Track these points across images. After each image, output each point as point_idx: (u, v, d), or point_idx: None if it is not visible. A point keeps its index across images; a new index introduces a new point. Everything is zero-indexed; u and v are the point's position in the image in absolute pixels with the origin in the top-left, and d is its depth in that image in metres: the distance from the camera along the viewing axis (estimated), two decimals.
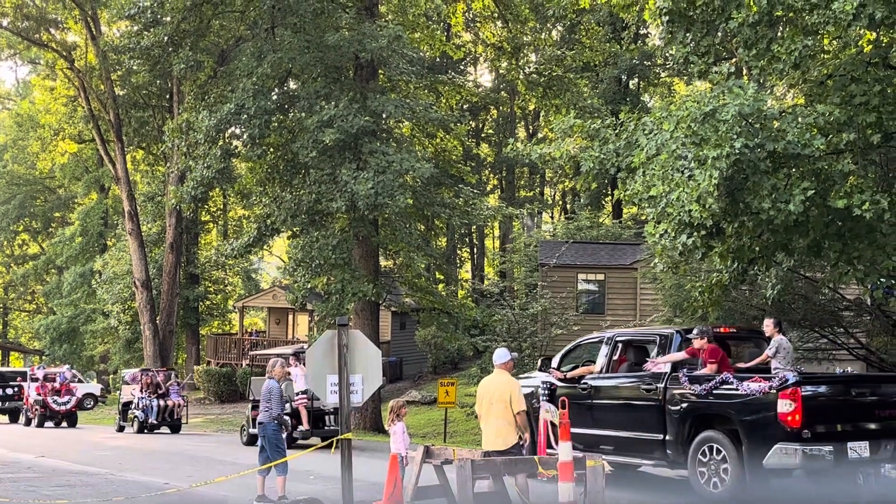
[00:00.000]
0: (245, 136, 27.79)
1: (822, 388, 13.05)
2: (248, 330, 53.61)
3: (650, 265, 24.94)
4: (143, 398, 30.91)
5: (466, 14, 37.66)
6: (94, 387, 49.17)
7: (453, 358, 42.90)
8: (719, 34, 15.41)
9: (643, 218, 19.09)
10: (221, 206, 60.48)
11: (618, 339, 15.70)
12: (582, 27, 37.74)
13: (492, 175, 59.43)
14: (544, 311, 31.87)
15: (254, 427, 24.03)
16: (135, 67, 34.21)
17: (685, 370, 13.91)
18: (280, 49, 26.40)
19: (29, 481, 17.08)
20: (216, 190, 45.38)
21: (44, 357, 62.33)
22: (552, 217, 64.86)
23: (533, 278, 36.99)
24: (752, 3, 13.84)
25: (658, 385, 14.09)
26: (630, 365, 15.47)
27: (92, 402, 46.64)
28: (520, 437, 12.11)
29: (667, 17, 15.37)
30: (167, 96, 44.76)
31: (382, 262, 34.42)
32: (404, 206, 25.17)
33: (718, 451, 12.94)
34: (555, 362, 16.35)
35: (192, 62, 28.35)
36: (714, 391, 13.13)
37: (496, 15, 34.58)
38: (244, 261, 54.41)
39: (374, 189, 24.16)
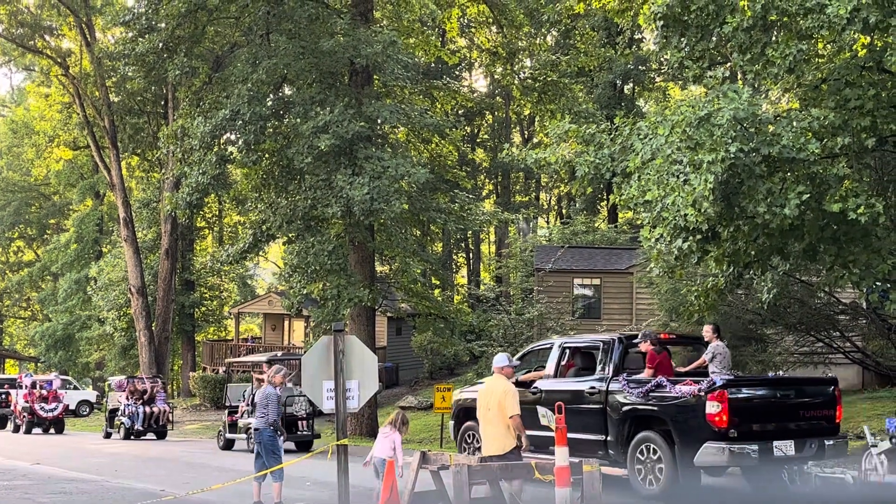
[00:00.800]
0: (240, 142, 27.77)
1: (749, 391, 13.68)
2: (244, 336, 53.59)
3: (646, 269, 24.95)
4: (129, 405, 31.18)
5: (461, 19, 37.70)
6: (90, 393, 49.12)
7: (450, 363, 42.87)
8: (714, 39, 15.43)
9: (639, 222, 19.10)
10: (217, 213, 60.43)
11: (566, 345, 16.38)
12: (577, 32, 37.81)
13: (487, 180, 59.46)
14: (540, 316, 31.88)
15: (230, 432, 25.78)
16: (129, 74, 34.21)
17: (625, 375, 14.52)
18: (275, 55, 26.41)
19: (25, 489, 17.05)
20: (211, 196, 45.36)
21: (39, 364, 62.22)
22: (548, 222, 64.92)
23: (529, 283, 37.03)
24: (746, 8, 13.86)
25: (601, 389, 14.75)
26: (577, 370, 16.10)
27: (88, 409, 46.59)
28: (518, 442, 12.09)
29: (661, 22, 15.38)
30: (162, 102, 44.72)
31: (378, 268, 34.40)
32: (400, 211, 25.19)
33: (654, 451, 13.58)
34: None
35: (187, 68, 28.34)
36: (650, 394, 13.76)
37: (491, 20, 34.62)
38: (240, 267, 54.37)
39: (369, 194, 24.16)
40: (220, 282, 59.43)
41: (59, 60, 44.98)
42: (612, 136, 16.07)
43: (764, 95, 16.80)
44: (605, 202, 50.97)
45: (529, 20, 35.61)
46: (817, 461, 13.86)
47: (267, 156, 28.73)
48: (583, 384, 15.33)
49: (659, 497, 13.45)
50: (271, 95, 28.96)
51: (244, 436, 24.34)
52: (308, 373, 12.63)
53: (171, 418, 32.95)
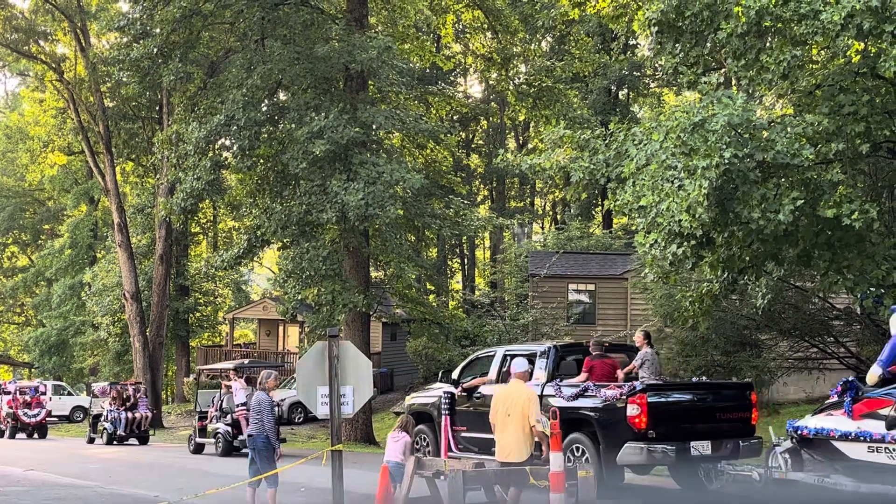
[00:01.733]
0: (235, 148, 27.78)
1: (667, 395, 14.32)
2: (238, 342, 53.49)
3: (640, 275, 24.97)
4: (111, 410, 31.58)
5: (456, 25, 37.74)
6: (84, 399, 48.96)
7: (444, 369, 42.74)
8: (708, 45, 15.47)
9: (633, 228, 19.12)
10: (211, 218, 60.36)
11: (508, 352, 16.84)
12: (571, 38, 37.85)
13: (482, 186, 59.49)
14: (535, 322, 31.88)
15: (200, 437, 26.55)
16: (124, 79, 34.11)
17: (558, 380, 15.17)
18: (270, 60, 26.40)
19: (18, 495, 16.99)
20: (206, 201, 45.25)
21: (33, 370, 62.04)
22: (542, 227, 64.95)
23: (524, 289, 37.04)
24: (740, 14, 13.89)
25: (537, 394, 14.67)
26: None
27: (82, 415, 46.45)
28: (539, 448, 11.98)
29: (656, 28, 15.42)
30: (157, 108, 44.68)
31: (373, 273, 34.40)
32: (395, 216, 25.20)
33: (583, 451, 14.26)
34: (455, 374, 17.69)
35: (182, 74, 28.33)
36: (578, 398, 14.44)
37: (486, 26, 34.67)
38: (234, 272, 54.28)
39: (364, 200, 24.15)
40: (215, 287, 59.36)
41: (53, 66, 44.91)
42: (606, 141, 16.10)
43: (758, 101, 16.84)
44: (600, 208, 51.00)
45: (524, 26, 35.63)
46: (732, 460, 14.59)
47: (262, 161, 28.73)
48: None
49: (585, 492, 13.67)
50: (266, 101, 28.95)
51: (213, 440, 25.44)
52: (303, 378, 12.61)
53: (152, 423, 33.52)
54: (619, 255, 36.46)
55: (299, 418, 36.23)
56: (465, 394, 16.95)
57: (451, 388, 17.12)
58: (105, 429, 31.45)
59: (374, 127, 27.32)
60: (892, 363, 12.08)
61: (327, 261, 26.33)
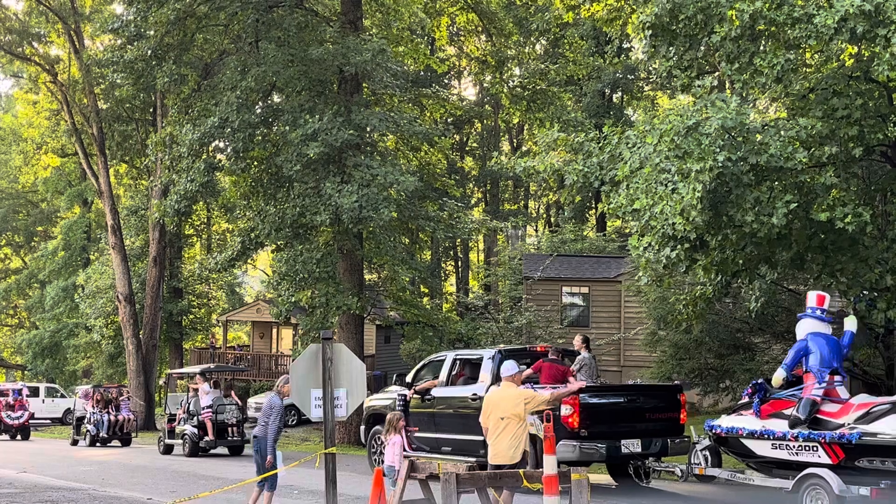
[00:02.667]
0: (229, 150, 27.75)
1: (598, 397, 15.54)
2: (231, 344, 53.43)
3: (634, 278, 24.99)
4: (94, 413, 32.16)
5: (450, 28, 37.76)
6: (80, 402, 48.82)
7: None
8: (702, 48, 15.50)
9: (627, 231, 19.18)
10: (205, 220, 60.28)
11: (457, 357, 18.28)
12: (566, 41, 37.86)
13: (476, 188, 59.49)
14: (529, 325, 31.89)
15: (169, 438, 27.66)
16: (118, 81, 34.02)
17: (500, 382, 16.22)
18: (264, 63, 26.39)
19: (11, 497, 16.95)
20: (200, 203, 45.27)
21: (26, 372, 61.90)
22: (536, 230, 64.99)
23: (517, 291, 37.04)
24: (734, 18, 13.91)
25: (481, 395, 15.92)
26: (465, 379, 17.96)
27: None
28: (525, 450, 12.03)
29: (650, 32, 15.44)
30: (151, 110, 44.57)
31: (367, 276, 34.38)
32: (388, 219, 25.19)
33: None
34: (409, 378, 19.03)
35: (176, 76, 28.29)
36: None
37: (480, 29, 34.70)
38: (228, 275, 54.25)
39: (358, 202, 24.15)
40: (209, 290, 59.27)
41: (47, 67, 44.83)
42: (600, 144, 16.12)
43: (752, 105, 16.85)
44: (594, 211, 51.04)
45: (518, 29, 35.67)
46: (660, 457, 15.64)
47: (255, 163, 28.71)
48: (467, 391, 17.27)
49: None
50: (260, 103, 28.93)
51: (180, 441, 26.75)
52: (296, 381, 12.59)
53: (135, 426, 34.26)
54: (612, 258, 36.48)
55: (293, 421, 36.22)
56: (418, 396, 18.21)
57: (405, 391, 18.34)
58: (88, 431, 32.02)
59: (368, 129, 27.32)
60: (795, 366, 13.08)
61: (321, 263, 26.32)
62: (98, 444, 31.41)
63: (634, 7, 18.40)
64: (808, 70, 15.66)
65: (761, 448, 13.19)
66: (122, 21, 29.10)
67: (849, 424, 12.07)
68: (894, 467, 11.59)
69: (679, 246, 13.92)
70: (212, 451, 26.54)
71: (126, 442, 32.14)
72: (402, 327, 35.64)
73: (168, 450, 27.50)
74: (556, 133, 17.12)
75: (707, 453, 14.90)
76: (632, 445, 15.01)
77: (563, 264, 36.02)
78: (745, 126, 13.10)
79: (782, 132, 13.53)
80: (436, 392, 18.00)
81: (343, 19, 28.87)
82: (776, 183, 13.85)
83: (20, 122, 61.02)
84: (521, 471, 11.55)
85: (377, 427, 18.80)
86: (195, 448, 25.87)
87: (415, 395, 18.30)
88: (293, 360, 14.44)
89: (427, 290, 48.36)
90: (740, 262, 15.61)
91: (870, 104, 14.23)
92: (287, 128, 26.20)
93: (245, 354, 47.88)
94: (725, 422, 13.88)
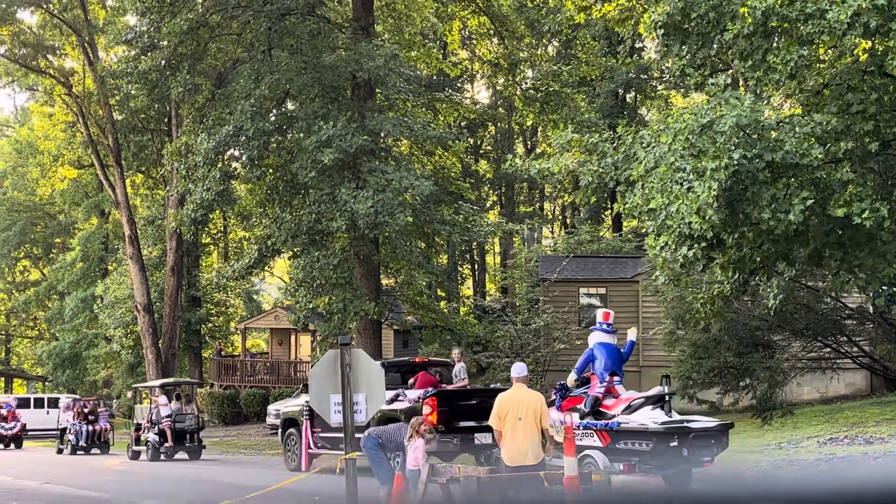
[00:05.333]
0: (244, 158, 27.85)
1: (454, 398, 18.16)
2: (251, 351, 53.55)
3: (651, 278, 24.93)
4: (74, 424, 34.68)
5: (462, 32, 37.81)
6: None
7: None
8: (715, 46, 15.45)
9: (643, 231, 19.17)
10: (222, 229, 60.47)
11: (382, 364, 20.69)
12: (578, 42, 37.88)
13: (491, 191, 59.48)
14: (547, 327, 31.85)
15: (136, 445, 29.91)
16: (133, 92, 34.29)
17: (402, 389, 18.97)
18: (277, 70, 26.48)
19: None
20: (216, 212, 45.40)
21: (47, 383, 62.20)
22: (552, 232, 64.90)
23: (534, 293, 36.99)
24: (746, 15, 13.88)
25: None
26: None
27: None
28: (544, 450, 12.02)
29: (662, 31, 15.41)
30: (165, 120, 44.80)
31: (384, 281, 34.42)
32: (404, 223, 25.22)
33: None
34: None
35: (190, 85, 28.44)
36: (394, 401, 18.26)
37: (492, 32, 34.72)
38: (245, 282, 54.33)
39: (373, 208, 24.19)
40: (226, 297, 59.42)
41: (62, 80, 45.10)
42: (615, 144, 16.09)
43: (766, 102, 16.80)
44: (610, 211, 50.87)
45: (530, 31, 35.67)
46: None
47: (271, 171, 28.79)
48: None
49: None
50: (274, 111, 29.03)
51: (144, 447, 28.97)
52: (315, 387, 12.63)
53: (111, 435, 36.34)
54: (629, 258, 36.39)
55: None
56: None
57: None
58: (70, 440, 34.60)
59: (382, 135, 27.38)
60: (583, 371, 15.96)
61: (338, 269, 26.37)
62: (80, 452, 33.84)
63: (646, 6, 18.39)
64: (821, 66, 15.59)
65: (560, 436, 15.09)
66: (136, 32, 29.28)
67: (617, 415, 14.98)
68: (643, 448, 14.39)
69: (696, 245, 13.88)
70: (177, 457, 28.66)
71: (105, 449, 34.51)
72: (419, 331, 35.70)
73: (136, 455, 29.65)
74: (570, 134, 17.10)
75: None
76: (483, 438, 17.20)
77: (580, 265, 35.96)
78: (759, 123, 13.06)
79: (797, 129, 13.48)
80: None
81: (355, 25, 28.94)
82: (792, 180, 13.80)
83: (36, 134, 61.36)
84: (541, 472, 11.54)
85: (291, 430, 21.51)
86: (156, 454, 28.14)
87: None
88: (312, 367, 14.49)
89: (444, 294, 48.37)
90: (758, 259, 15.54)
91: (885, 98, 14.16)
92: (301, 135, 26.28)
93: (264, 361, 47.96)
94: None
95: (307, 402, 19.52)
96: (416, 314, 33.63)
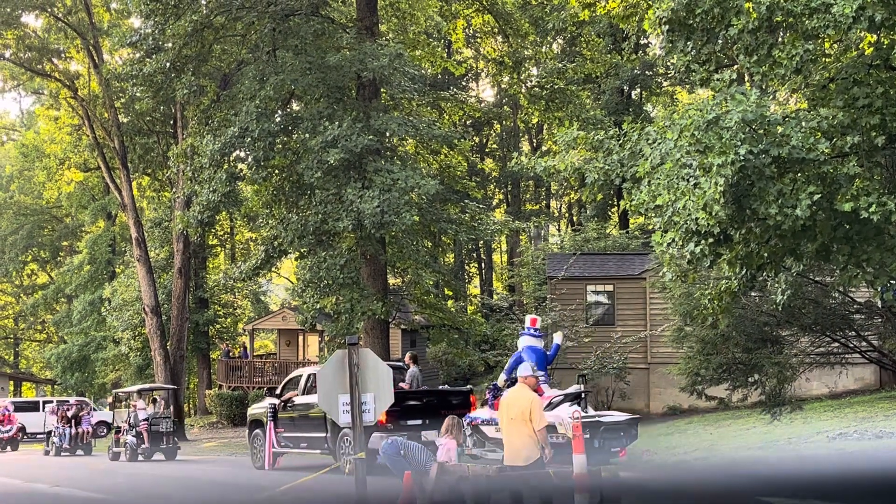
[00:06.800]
0: (250, 159, 27.86)
1: (403, 399, 19.32)
2: (259, 353, 53.60)
3: (659, 274, 24.89)
4: (58, 427, 36.47)
5: (467, 30, 37.79)
6: (108, 414, 49.17)
7: (464, 374, 42.82)
8: (720, 41, 15.41)
9: (650, 227, 19.16)
10: (228, 230, 60.57)
11: (310, 373, 22.07)
12: (582, 39, 37.82)
13: (497, 189, 59.48)
14: (554, 325, 31.83)
15: (116, 447, 31.09)
16: (138, 94, 34.28)
17: None
18: (282, 71, 26.49)
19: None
20: (223, 213, 45.40)
21: (56, 386, 62.34)
22: (559, 229, 64.89)
23: (542, 291, 36.99)
24: (751, 10, 13.84)
25: None
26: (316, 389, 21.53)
27: (105, 430, 46.67)
28: (542, 453, 11.98)
29: (666, 27, 15.37)
30: (171, 122, 44.84)
31: (391, 280, 34.42)
32: (411, 223, 25.21)
33: (350, 441, 18.34)
34: (278, 391, 23.29)
35: (195, 87, 28.45)
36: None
37: (496, 30, 34.69)
38: (253, 283, 54.41)
39: (380, 207, 24.20)
40: (234, 299, 59.51)
41: (67, 83, 45.16)
42: (620, 141, 16.06)
43: (772, 97, 16.75)
44: (616, 208, 50.93)
45: (534, 29, 35.62)
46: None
47: (277, 172, 28.81)
48: (314, 398, 20.05)
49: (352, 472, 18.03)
50: (279, 111, 29.04)
51: (123, 449, 30.46)
52: (324, 387, 12.63)
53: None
54: (636, 255, 36.35)
55: None
56: (283, 404, 22.22)
57: (276, 401, 22.47)
58: (54, 443, 36.32)
59: (387, 134, 27.37)
60: (512, 372, 16.93)
61: (345, 269, 26.38)
62: (64, 454, 35.58)
63: (650, 2, 18.34)
64: (827, 60, 15.54)
65: (490, 431, 17.27)
66: (140, 34, 29.29)
67: None
68: (560, 440, 15.11)
69: (703, 241, 13.84)
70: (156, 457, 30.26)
71: (87, 451, 36.00)
72: (427, 331, 35.66)
73: (116, 456, 31.09)
74: (576, 132, 17.07)
75: (470, 435, 18.09)
76: (429, 435, 18.67)
77: (587, 263, 35.94)
78: (765, 118, 13.02)
79: (803, 123, 13.44)
80: (296, 400, 21.98)
81: (359, 25, 28.94)
82: (799, 174, 13.76)
83: (42, 138, 61.46)
84: (550, 471, 11.54)
85: (257, 430, 23.18)
86: (134, 454, 29.72)
87: (282, 404, 22.26)
88: (320, 367, 14.54)
89: (451, 293, 48.39)
90: (765, 255, 15.50)
91: (891, 92, 14.11)
92: (307, 135, 26.28)
93: (272, 362, 48.02)
94: (476, 413, 18.31)
95: (271, 404, 22.35)
96: (424, 313, 33.63)
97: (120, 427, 31.93)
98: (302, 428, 21.60)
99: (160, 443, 30.17)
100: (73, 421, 36.31)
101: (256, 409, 24.26)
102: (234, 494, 18.66)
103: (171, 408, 33.01)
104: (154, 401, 31.72)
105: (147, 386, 35.89)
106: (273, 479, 18.90)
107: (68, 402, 41.58)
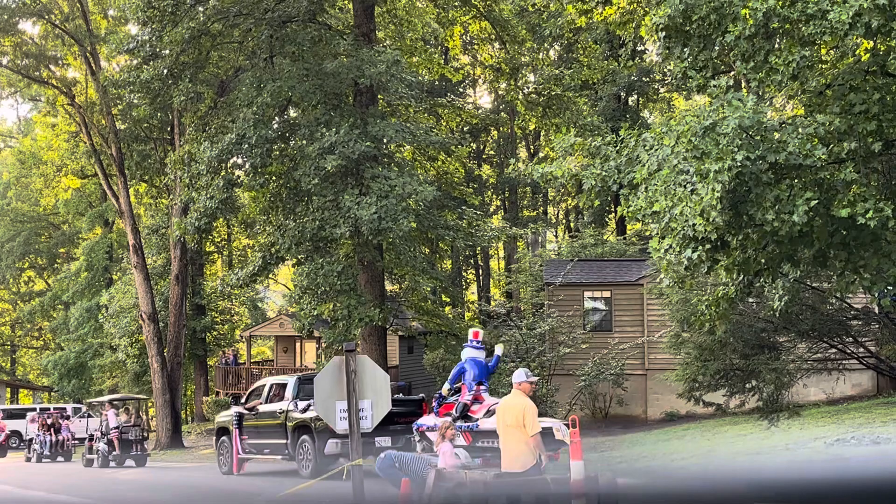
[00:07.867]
0: (247, 166, 27.87)
1: None
2: (256, 359, 53.54)
3: (656, 281, 24.92)
4: (39, 435, 38.18)
5: (464, 37, 37.80)
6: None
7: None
8: (716, 48, 15.42)
9: (647, 234, 19.18)
10: (226, 237, 60.54)
11: (273, 382, 23.51)
12: (579, 46, 37.91)
13: (494, 196, 59.51)
14: (552, 331, 31.83)
15: (89, 454, 32.54)
16: (135, 101, 34.33)
17: (298, 399, 21.41)
18: (279, 78, 26.50)
19: None
20: (220, 220, 45.36)
21: (53, 393, 62.25)
22: (556, 236, 64.92)
23: (539, 298, 36.99)
24: (747, 17, 13.86)
25: (283, 409, 21.86)
26: (279, 398, 22.76)
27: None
28: (538, 459, 11.97)
29: (663, 33, 15.39)
30: (168, 129, 44.85)
31: (388, 287, 34.41)
32: (408, 229, 25.22)
33: (307, 447, 20.56)
34: (243, 399, 24.44)
35: (192, 94, 28.45)
36: (306, 411, 20.74)
37: (493, 37, 34.72)
38: (250, 290, 54.40)
39: (377, 214, 24.19)
40: (231, 305, 59.46)
41: (64, 90, 45.14)
42: (617, 148, 16.07)
43: (768, 103, 16.77)
44: (613, 214, 50.97)
45: (532, 35, 35.68)
46: (403, 448, 19.60)
47: (274, 178, 28.80)
48: (276, 407, 22.39)
49: (310, 475, 19.61)
50: (276, 118, 29.04)
51: (95, 455, 31.84)
52: (321, 393, 12.61)
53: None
54: (633, 262, 36.38)
55: None
56: (247, 412, 23.24)
57: (241, 409, 23.53)
58: (35, 450, 37.93)
59: (384, 141, 27.37)
60: (456, 381, 18.37)
61: (342, 276, 26.37)
62: (45, 460, 37.17)
63: (647, 9, 18.38)
64: (823, 66, 15.57)
65: (434, 437, 17.44)
66: (138, 41, 29.27)
67: (479, 419, 17.45)
68: (496, 445, 14.90)
69: (700, 247, 13.85)
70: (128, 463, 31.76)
71: (67, 457, 37.67)
72: (425, 337, 35.62)
73: (89, 463, 32.39)
74: (573, 138, 17.08)
75: (421, 442, 18.78)
76: (383, 441, 19.90)
77: (585, 269, 35.95)
78: (762, 124, 13.03)
79: (800, 129, 13.45)
80: (260, 408, 23.00)
81: (356, 32, 28.95)
82: (796, 180, 13.76)
83: (39, 145, 61.46)
84: (547, 477, 11.54)
85: (224, 438, 24.28)
86: (105, 461, 31.10)
87: (247, 412, 23.28)
88: (317, 374, 14.51)
89: (449, 300, 48.38)
90: (762, 261, 15.50)
91: (887, 98, 14.13)
92: (304, 142, 26.29)
93: (269, 369, 47.96)
94: (422, 420, 19.01)
95: (236, 412, 23.60)
96: (421, 320, 33.58)
97: (93, 435, 33.27)
98: (265, 435, 22.71)
99: (130, 450, 31.51)
100: (51, 429, 37.73)
101: (223, 417, 25.25)
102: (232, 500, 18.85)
103: (143, 417, 34.66)
104: (126, 410, 33.49)
105: (118, 396, 37.85)
106: (243, 483, 20.97)
107: (49, 409, 43.31)
